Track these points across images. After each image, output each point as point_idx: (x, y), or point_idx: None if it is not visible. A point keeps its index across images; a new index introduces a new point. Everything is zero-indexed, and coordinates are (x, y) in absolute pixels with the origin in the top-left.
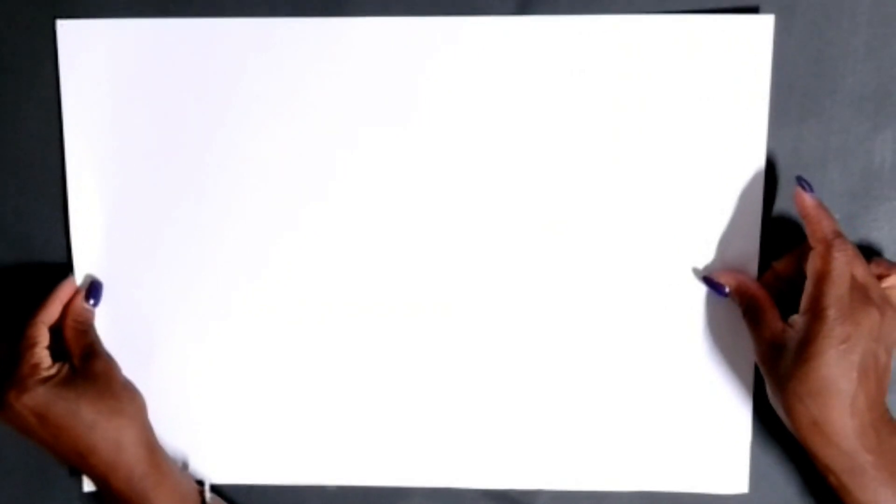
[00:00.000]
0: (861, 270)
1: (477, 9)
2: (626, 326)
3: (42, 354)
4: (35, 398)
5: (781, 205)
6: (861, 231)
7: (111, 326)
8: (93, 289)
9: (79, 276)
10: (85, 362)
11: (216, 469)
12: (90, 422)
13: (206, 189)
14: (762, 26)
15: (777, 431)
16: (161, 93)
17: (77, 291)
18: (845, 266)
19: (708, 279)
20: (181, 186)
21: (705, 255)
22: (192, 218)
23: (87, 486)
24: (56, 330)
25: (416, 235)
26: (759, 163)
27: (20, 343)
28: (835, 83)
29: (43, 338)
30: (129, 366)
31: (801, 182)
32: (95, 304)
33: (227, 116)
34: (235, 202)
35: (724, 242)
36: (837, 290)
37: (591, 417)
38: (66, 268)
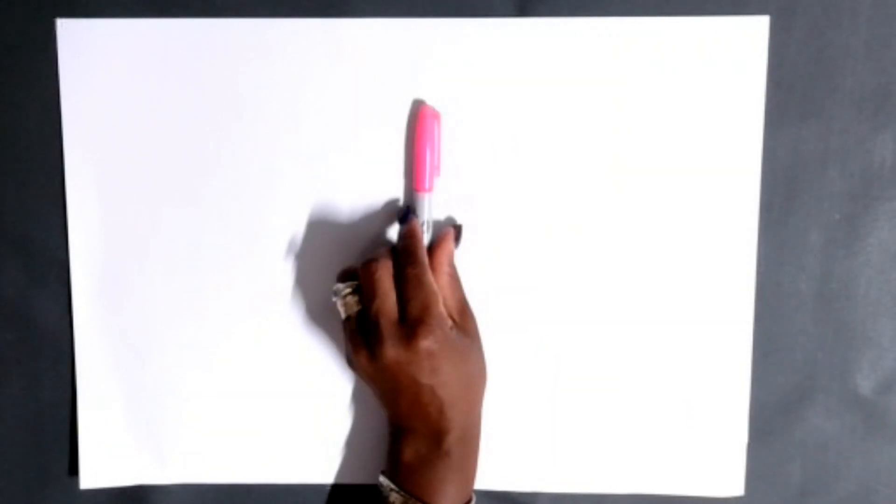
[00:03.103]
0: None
1: (477, 10)
2: (623, 330)
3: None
4: (438, 339)
5: (779, 206)
6: (861, 231)
7: (110, 325)
8: (459, 233)
9: (77, 275)
10: (461, 318)
11: (216, 469)
12: (469, 374)
13: (206, 189)
14: (758, 27)
15: (773, 434)
16: (161, 92)
17: (447, 235)
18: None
19: None
20: (180, 186)
21: (701, 257)
22: (191, 217)
23: (85, 483)
24: None
25: None
26: (756, 163)
27: (425, 293)
28: (835, 83)
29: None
30: (129, 365)
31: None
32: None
33: (226, 117)
34: (234, 202)
35: (720, 244)
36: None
37: (590, 420)
38: (66, 267)
